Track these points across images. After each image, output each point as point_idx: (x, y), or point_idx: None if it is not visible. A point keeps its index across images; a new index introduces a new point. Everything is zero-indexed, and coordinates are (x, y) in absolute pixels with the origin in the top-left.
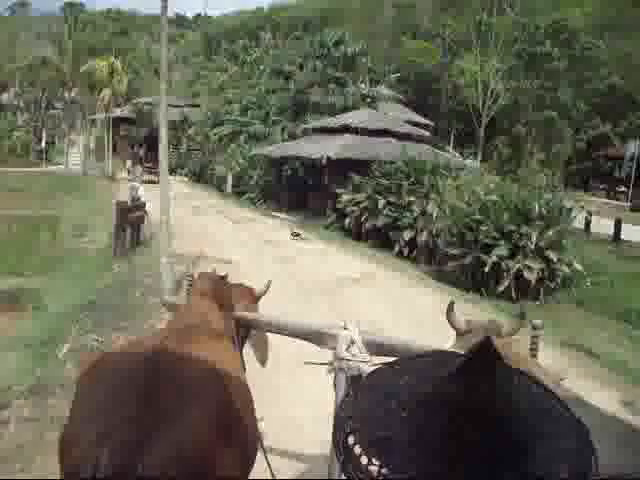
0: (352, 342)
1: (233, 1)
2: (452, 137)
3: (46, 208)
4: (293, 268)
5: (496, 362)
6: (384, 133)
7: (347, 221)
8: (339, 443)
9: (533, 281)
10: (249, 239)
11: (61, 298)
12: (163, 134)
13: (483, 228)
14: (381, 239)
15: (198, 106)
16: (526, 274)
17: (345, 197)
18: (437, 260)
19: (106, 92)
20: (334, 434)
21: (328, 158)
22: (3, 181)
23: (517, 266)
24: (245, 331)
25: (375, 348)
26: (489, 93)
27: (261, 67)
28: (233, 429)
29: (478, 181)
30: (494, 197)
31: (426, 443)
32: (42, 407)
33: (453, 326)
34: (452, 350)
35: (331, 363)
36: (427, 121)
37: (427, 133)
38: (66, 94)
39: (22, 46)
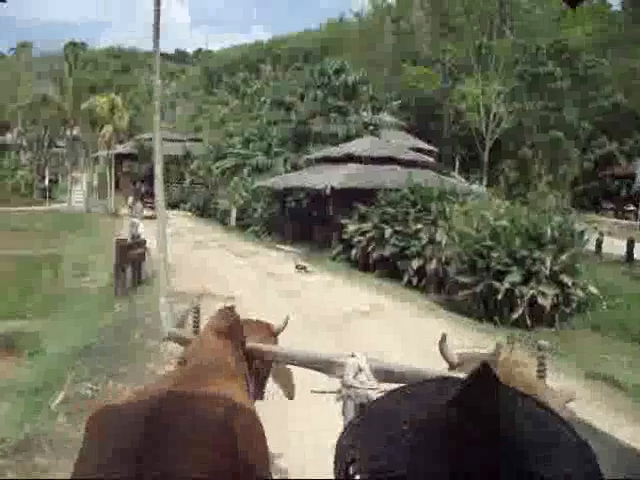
0: (360, 369)
1: (233, 35)
2: (457, 162)
3: (48, 247)
4: (298, 302)
5: (497, 386)
6: (388, 161)
7: (354, 252)
8: (340, 472)
9: (548, 307)
10: (252, 273)
11: (60, 341)
12: (158, 170)
13: (494, 254)
14: (389, 269)
15: (200, 140)
16: (540, 300)
17: (351, 227)
18: (447, 289)
19: (107, 129)
20: (335, 463)
21: (332, 188)
22: (6, 220)
23: (531, 292)
24: (266, 371)
25: (383, 375)
26: (492, 117)
27: (262, 99)
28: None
29: (486, 206)
30: (504, 222)
31: (426, 470)
32: (26, 468)
33: (446, 359)
34: (455, 376)
35: (339, 391)
36: (431, 147)
37: (431, 159)
38: (68, 132)
39: (24, 85)
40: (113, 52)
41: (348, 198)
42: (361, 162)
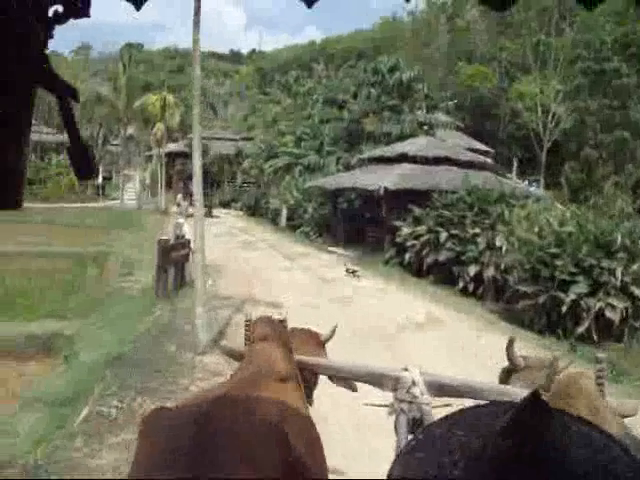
0: (413, 383)
1: (286, 37)
2: (514, 164)
3: (97, 244)
4: (350, 311)
5: (548, 413)
6: (444, 161)
7: (407, 256)
8: None
9: (617, 321)
10: (301, 277)
11: (96, 346)
12: (197, 167)
13: (559, 263)
14: (444, 274)
15: (252, 139)
16: (608, 313)
17: (405, 230)
18: (506, 298)
19: (159, 127)
20: None
21: (385, 189)
22: (59, 217)
23: (598, 305)
24: (315, 379)
25: (437, 389)
26: (550, 116)
27: (314, 97)
28: None
29: (548, 210)
30: (570, 228)
31: None
32: None
33: (512, 362)
34: (507, 401)
35: (392, 405)
36: (487, 148)
37: (489, 160)
38: (122, 131)
39: (80, 85)
40: (169, 53)
41: (402, 200)
42: (416, 162)
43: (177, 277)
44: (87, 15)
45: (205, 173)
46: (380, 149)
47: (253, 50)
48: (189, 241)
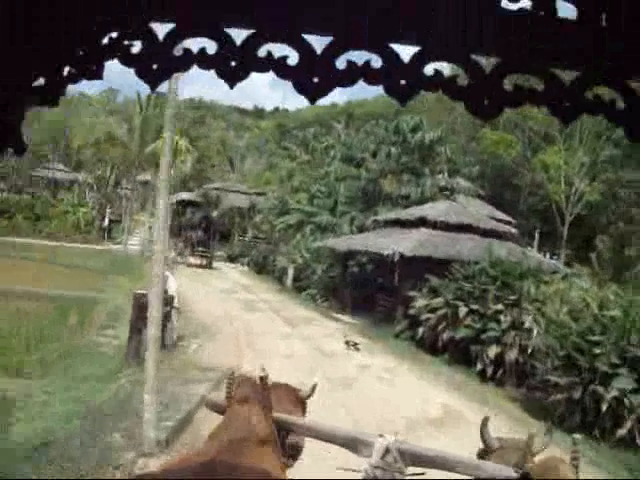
0: (387, 451)
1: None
2: (536, 236)
3: (88, 289)
4: (350, 397)
5: None
6: (466, 229)
7: (421, 330)
8: None
9: None
10: (300, 348)
11: (36, 417)
12: (162, 205)
13: (599, 351)
14: (460, 353)
15: (273, 199)
16: None
17: (420, 302)
18: (527, 384)
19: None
20: None
21: (401, 254)
22: (57, 256)
23: None
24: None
25: (411, 458)
26: (574, 190)
27: (331, 153)
28: None
29: (584, 290)
30: (615, 312)
31: None
32: None
33: (485, 444)
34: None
35: (365, 471)
36: (509, 218)
37: (514, 230)
38: (134, 174)
39: (97, 125)
40: (193, 104)
41: (418, 267)
42: (435, 228)
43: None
44: (100, 77)
45: (214, 225)
46: (397, 212)
47: (276, 108)
48: (173, 297)
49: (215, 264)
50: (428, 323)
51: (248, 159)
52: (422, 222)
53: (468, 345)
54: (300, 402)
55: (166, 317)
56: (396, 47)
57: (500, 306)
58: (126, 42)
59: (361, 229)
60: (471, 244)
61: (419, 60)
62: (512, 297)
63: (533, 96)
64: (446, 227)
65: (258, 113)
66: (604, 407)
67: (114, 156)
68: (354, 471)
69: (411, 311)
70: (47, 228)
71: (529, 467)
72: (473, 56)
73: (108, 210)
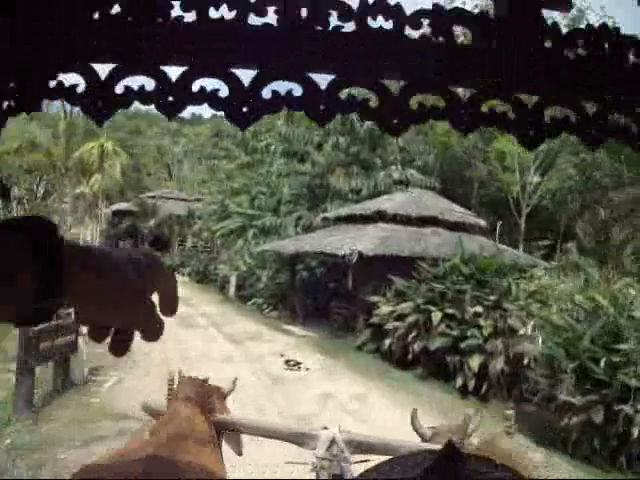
0: (333, 442)
1: None
2: (497, 229)
3: None
4: None
5: (462, 459)
6: (431, 222)
7: (387, 341)
8: None
9: None
10: (246, 374)
11: None
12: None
13: (618, 360)
14: (435, 366)
15: (212, 203)
16: None
17: (384, 308)
18: (515, 396)
19: (96, 178)
20: None
21: (359, 254)
22: None
23: None
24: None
25: (355, 446)
26: (529, 179)
27: (272, 149)
28: None
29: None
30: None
31: None
32: None
33: (418, 433)
34: (427, 450)
35: (313, 463)
36: (469, 212)
37: (482, 222)
38: (62, 183)
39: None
40: (128, 113)
41: (379, 268)
42: (395, 222)
43: (56, 378)
44: (38, 109)
45: (144, 234)
46: (350, 207)
47: (214, 115)
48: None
49: None
50: (396, 333)
51: (185, 165)
52: (380, 216)
53: (444, 356)
54: (223, 398)
55: (70, 347)
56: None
57: (479, 308)
58: (68, 83)
59: (308, 229)
60: (437, 239)
61: (336, 86)
62: (492, 297)
63: (437, 111)
64: (407, 221)
65: (197, 120)
66: (635, 432)
67: (38, 164)
68: (301, 464)
69: (374, 319)
70: None
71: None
72: (381, 81)
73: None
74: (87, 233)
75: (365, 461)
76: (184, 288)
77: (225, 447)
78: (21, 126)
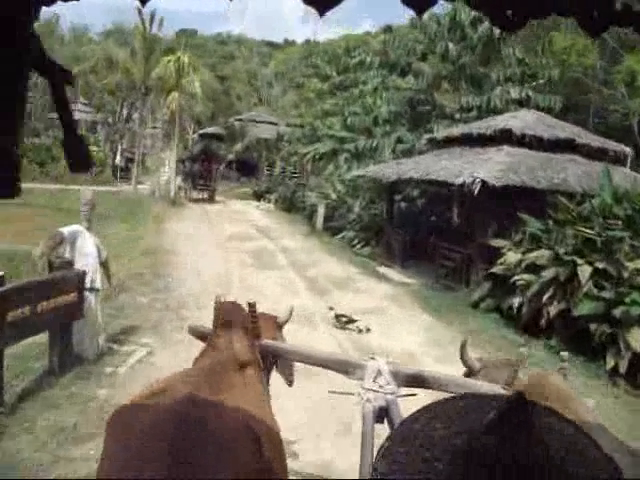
0: (379, 373)
1: (342, 30)
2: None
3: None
4: None
5: (532, 414)
6: (567, 147)
7: (516, 300)
8: None
9: None
10: (331, 343)
11: None
12: None
13: None
14: (577, 337)
15: (301, 126)
16: None
17: (511, 256)
18: None
19: (173, 96)
20: None
21: (482, 183)
22: (58, 200)
23: None
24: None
25: (403, 379)
26: None
27: (366, 64)
28: None
29: None
30: None
31: None
32: None
33: (467, 365)
34: (484, 394)
35: (358, 394)
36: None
37: (628, 149)
38: (143, 103)
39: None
40: (220, 38)
41: (504, 202)
42: (523, 146)
43: (53, 354)
44: None
45: (207, 155)
46: (463, 127)
47: (307, 40)
48: (84, 274)
49: (233, 201)
50: (527, 290)
51: (276, 88)
52: (505, 137)
53: (589, 325)
54: (279, 328)
55: (72, 311)
56: None
57: None
58: None
59: (409, 152)
60: (577, 169)
61: None
62: None
63: (562, 3)
64: (539, 144)
65: (289, 46)
66: None
67: (118, 85)
68: (345, 394)
69: (497, 269)
70: (54, 171)
71: (517, 384)
72: None
73: (120, 148)
74: (172, 155)
75: (412, 395)
76: (268, 217)
77: (275, 378)
78: (98, 45)
